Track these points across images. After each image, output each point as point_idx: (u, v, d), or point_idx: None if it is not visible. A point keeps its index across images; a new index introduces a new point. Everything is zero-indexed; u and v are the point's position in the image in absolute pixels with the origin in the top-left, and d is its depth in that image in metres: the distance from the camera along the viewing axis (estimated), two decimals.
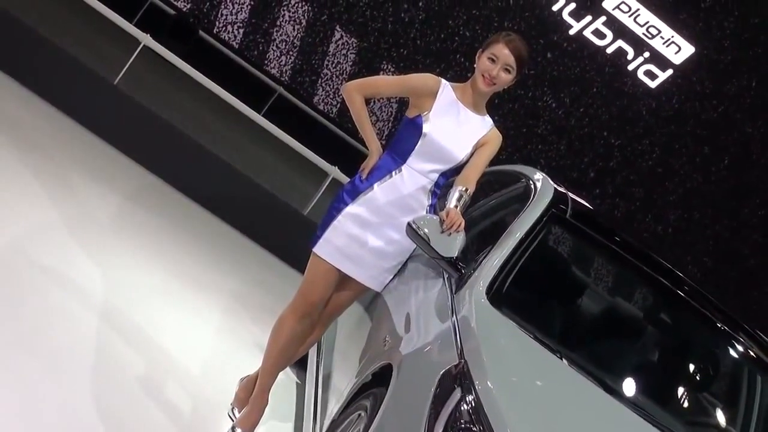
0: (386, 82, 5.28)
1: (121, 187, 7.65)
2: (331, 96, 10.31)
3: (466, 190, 4.83)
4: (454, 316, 4.30)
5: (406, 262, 5.04)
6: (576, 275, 5.35)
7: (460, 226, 4.68)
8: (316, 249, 4.98)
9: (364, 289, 5.03)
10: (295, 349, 5.10)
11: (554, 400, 4.08)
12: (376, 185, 4.92)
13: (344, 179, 8.31)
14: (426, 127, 4.89)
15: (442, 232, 4.64)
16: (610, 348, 5.07)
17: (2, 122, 7.19)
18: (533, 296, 4.97)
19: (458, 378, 3.82)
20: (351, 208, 4.93)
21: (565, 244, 5.42)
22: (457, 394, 3.75)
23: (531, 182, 5.36)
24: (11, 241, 5.51)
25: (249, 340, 6.33)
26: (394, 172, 4.91)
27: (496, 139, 5.02)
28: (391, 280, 5.01)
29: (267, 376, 5.04)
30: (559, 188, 5.28)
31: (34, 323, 4.89)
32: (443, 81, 4.98)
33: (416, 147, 4.89)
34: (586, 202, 5.57)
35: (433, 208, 4.95)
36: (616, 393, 4.47)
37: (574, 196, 5.34)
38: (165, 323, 5.88)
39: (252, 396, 5.05)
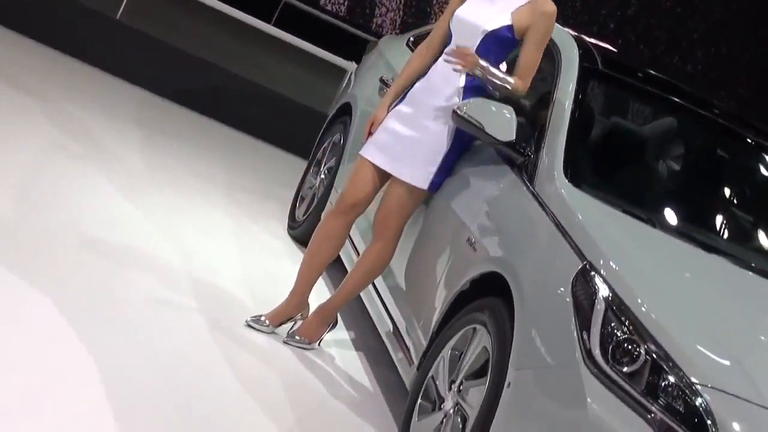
0: (439, 21, 5.14)
1: (154, 121, 7.67)
2: None
3: (511, 78, 4.72)
4: (544, 207, 4.22)
5: (456, 160, 4.90)
6: (629, 130, 5.23)
7: (467, 60, 4.63)
8: (360, 150, 5.00)
9: (411, 191, 4.85)
10: (329, 249, 5.02)
11: (674, 275, 4.08)
12: (417, 83, 4.91)
13: None
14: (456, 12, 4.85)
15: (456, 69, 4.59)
16: (691, 199, 5.00)
17: (13, 71, 7.14)
18: (602, 166, 4.88)
19: (591, 283, 3.75)
20: (395, 107, 4.94)
21: (607, 98, 5.27)
22: (601, 303, 3.67)
23: None
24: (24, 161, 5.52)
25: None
26: (432, 67, 4.90)
27: (544, 14, 4.73)
28: (439, 178, 4.86)
29: (301, 271, 5.03)
30: (572, 33, 5.15)
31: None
32: None
33: (451, 38, 4.85)
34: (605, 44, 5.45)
35: (474, 91, 4.79)
36: (716, 249, 4.45)
37: (592, 40, 5.21)
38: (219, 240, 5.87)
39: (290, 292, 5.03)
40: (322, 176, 6.46)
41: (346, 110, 6.48)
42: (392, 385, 5.02)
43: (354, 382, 4.95)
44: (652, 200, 4.82)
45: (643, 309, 3.65)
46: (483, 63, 4.68)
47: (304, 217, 6.43)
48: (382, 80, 6.06)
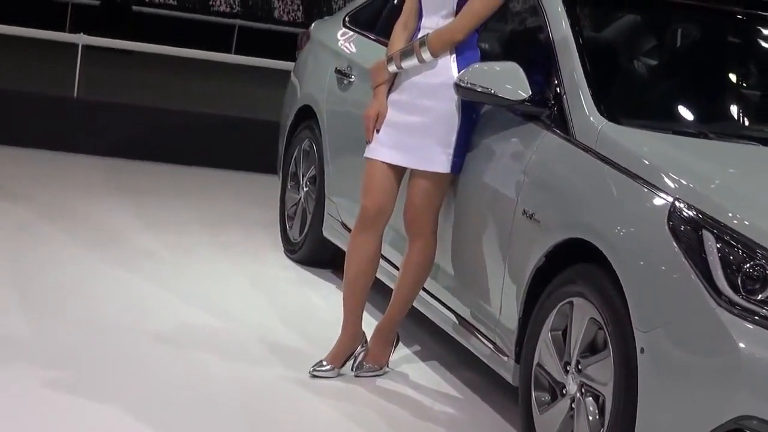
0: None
1: (125, 186, 7.47)
2: (289, 3, 9.87)
3: (426, 35, 4.42)
4: (596, 155, 3.91)
5: (471, 134, 4.52)
6: (641, 43, 4.88)
7: (379, 73, 4.55)
8: (365, 153, 4.62)
9: (434, 179, 4.51)
10: (368, 270, 4.65)
11: (755, 181, 3.87)
12: (403, 65, 4.54)
13: None
14: None
15: None
16: (729, 97, 4.70)
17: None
18: (630, 91, 4.54)
19: (688, 219, 3.48)
20: (389, 97, 4.60)
21: (602, 14, 4.90)
22: (709, 236, 3.40)
23: None
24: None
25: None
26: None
27: None
28: (459, 157, 4.50)
29: (346, 301, 4.70)
30: None
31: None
32: None
33: (422, 7, 4.52)
34: None
35: (467, 58, 4.45)
36: None
37: None
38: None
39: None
40: (305, 189, 6.07)
41: (306, 114, 6.07)
42: (478, 384, 4.74)
43: (442, 395, 4.64)
44: (694, 112, 4.52)
45: (749, 226, 3.40)
46: (388, 60, 4.53)
47: (302, 236, 6.05)
48: (338, 71, 5.68)
